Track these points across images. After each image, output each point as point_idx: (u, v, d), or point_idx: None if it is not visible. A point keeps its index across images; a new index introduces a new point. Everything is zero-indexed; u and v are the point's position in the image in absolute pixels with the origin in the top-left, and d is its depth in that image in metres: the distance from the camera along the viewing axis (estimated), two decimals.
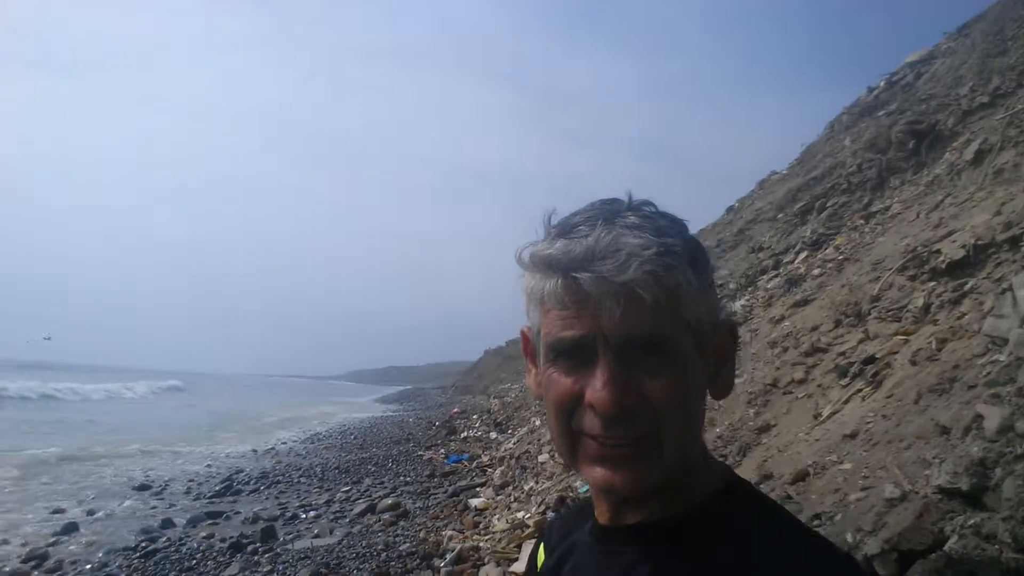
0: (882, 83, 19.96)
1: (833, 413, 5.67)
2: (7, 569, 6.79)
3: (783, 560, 0.69)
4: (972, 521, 3.18)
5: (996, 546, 3.01)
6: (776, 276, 11.88)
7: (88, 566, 6.94)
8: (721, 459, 5.66)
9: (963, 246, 5.87)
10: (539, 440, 10.10)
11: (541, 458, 8.74)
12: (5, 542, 7.90)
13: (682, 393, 0.72)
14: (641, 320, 0.70)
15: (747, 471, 5.74)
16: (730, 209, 23.25)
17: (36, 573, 6.73)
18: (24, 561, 7.04)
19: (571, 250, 0.71)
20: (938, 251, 6.24)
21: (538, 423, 12.39)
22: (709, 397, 0.83)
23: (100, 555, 7.34)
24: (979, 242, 5.72)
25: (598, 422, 0.72)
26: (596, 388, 0.71)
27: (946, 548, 3.19)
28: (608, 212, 0.75)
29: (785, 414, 6.47)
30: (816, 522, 4.07)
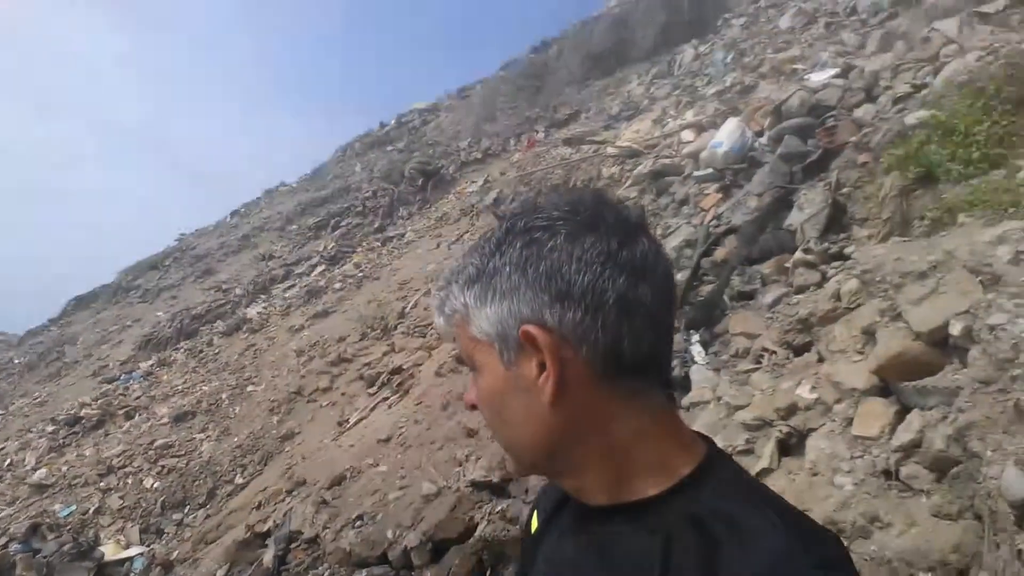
0: (393, 122, 22.16)
1: (360, 420, 6.02)
2: None
3: (749, 541, 0.68)
4: (499, 507, 3.77)
5: (518, 526, 3.63)
6: (293, 286, 12.07)
7: None
8: (241, 468, 5.55)
9: None
10: None
11: None
12: None
13: (491, 397, 0.82)
14: (457, 348, 0.88)
15: (272, 478, 5.68)
16: (235, 213, 22.83)
17: None
18: None
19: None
20: None
21: None
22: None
23: None
24: None
25: None
26: None
27: (478, 533, 3.71)
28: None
29: (310, 421, 6.61)
30: (359, 523, 4.27)
